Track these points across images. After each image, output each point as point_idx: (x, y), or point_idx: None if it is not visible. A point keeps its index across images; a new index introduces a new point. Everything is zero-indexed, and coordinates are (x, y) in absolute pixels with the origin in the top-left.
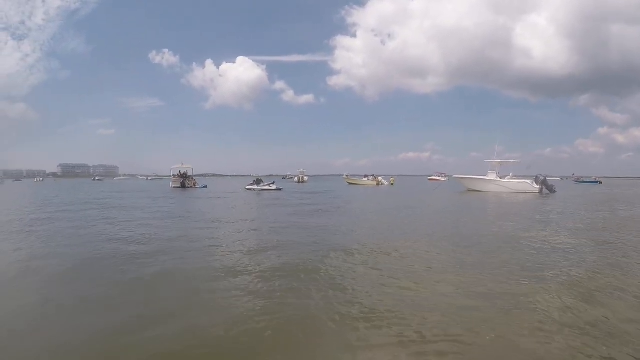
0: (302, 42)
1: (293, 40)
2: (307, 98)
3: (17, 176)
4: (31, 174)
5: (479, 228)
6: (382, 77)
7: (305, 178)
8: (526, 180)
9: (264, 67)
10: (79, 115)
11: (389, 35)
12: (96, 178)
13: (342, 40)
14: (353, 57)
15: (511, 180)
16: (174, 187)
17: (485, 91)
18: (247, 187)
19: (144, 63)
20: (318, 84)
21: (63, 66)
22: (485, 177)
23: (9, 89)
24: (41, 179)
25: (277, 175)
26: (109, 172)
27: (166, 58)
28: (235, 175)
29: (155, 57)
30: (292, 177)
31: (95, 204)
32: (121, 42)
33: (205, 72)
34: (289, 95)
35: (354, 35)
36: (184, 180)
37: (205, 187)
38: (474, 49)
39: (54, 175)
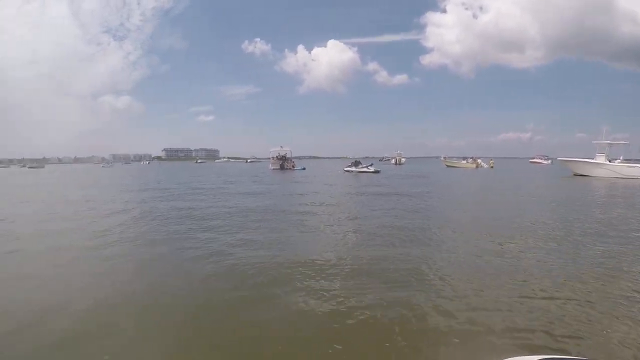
0: (392, 21)
1: (383, 20)
2: (401, 78)
3: (126, 160)
4: (138, 158)
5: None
6: (476, 52)
7: (403, 160)
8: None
9: (355, 49)
10: (181, 104)
11: (481, 8)
12: (199, 161)
13: (432, 17)
14: (445, 34)
15: (622, 165)
16: (273, 168)
17: (588, 64)
18: (345, 169)
19: (238, 53)
20: (411, 63)
21: (162, 61)
22: (594, 160)
23: (115, 84)
24: (147, 162)
25: (373, 157)
26: (210, 155)
27: (258, 47)
28: (332, 157)
29: (248, 47)
30: (388, 159)
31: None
32: (214, 34)
33: (298, 58)
34: (382, 76)
35: (444, 11)
36: (283, 163)
37: (304, 169)
38: (572, 16)
39: (159, 158)
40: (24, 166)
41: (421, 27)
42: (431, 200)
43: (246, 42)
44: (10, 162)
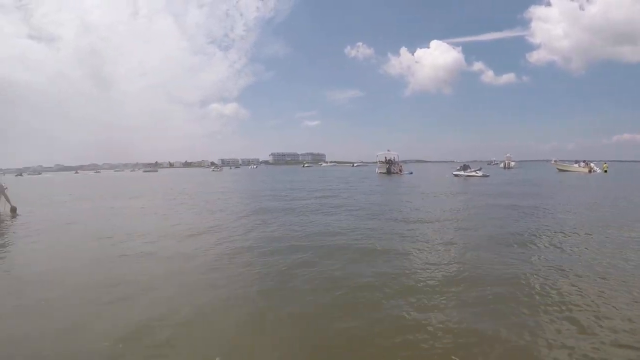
0: (495, 18)
1: (485, 17)
2: (508, 77)
3: (235, 164)
4: (246, 162)
5: None
6: (585, 47)
7: (512, 163)
8: None
9: (459, 48)
10: (286, 109)
11: None
12: (305, 165)
13: (536, 11)
14: (551, 29)
15: None
16: (380, 172)
17: None
18: (454, 173)
19: (341, 58)
20: (518, 61)
21: (267, 68)
22: None
23: (222, 92)
24: (255, 166)
25: (480, 161)
26: (316, 159)
27: (361, 51)
28: (438, 161)
29: (351, 52)
30: (497, 163)
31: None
32: (316, 40)
33: (401, 60)
34: (488, 75)
35: (548, 4)
36: (390, 167)
37: (411, 173)
38: None
39: (266, 162)
40: (132, 170)
41: (526, 23)
42: (568, 215)
43: (348, 47)
44: (125, 166)
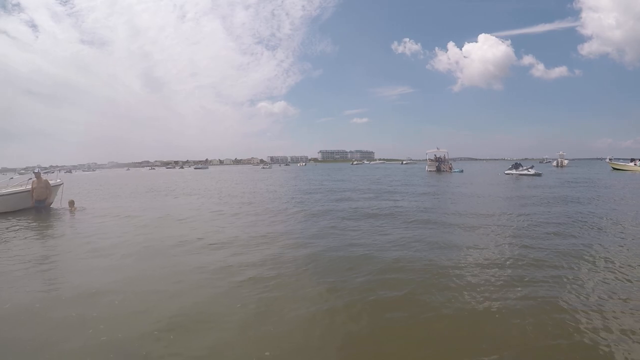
0: (544, 9)
1: (533, 8)
2: (560, 71)
3: (284, 161)
4: (295, 160)
5: None
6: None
7: (565, 162)
8: None
9: (508, 42)
10: (335, 107)
11: None
12: (354, 163)
13: (586, 0)
14: (602, 18)
15: None
16: (429, 170)
17: None
18: (506, 172)
19: (388, 54)
20: (569, 53)
21: (314, 66)
22: None
23: (271, 91)
24: (304, 164)
25: (532, 159)
26: (365, 157)
27: (408, 46)
28: (488, 159)
29: (398, 47)
30: (549, 161)
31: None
32: (363, 38)
33: (449, 55)
34: (539, 69)
35: None
36: (440, 165)
37: (461, 171)
38: None
39: (315, 160)
40: (181, 167)
41: (576, 13)
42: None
43: (395, 42)
44: (175, 163)
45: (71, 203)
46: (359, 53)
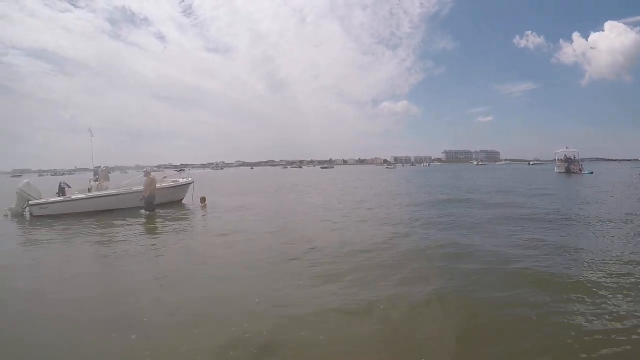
0: None
1: None
2: None
3: (407, 161)
4: (418, 160)
5: None
6: None
7: None
8: None
9: (638, 29)
10: (458, 106)
11: None
12: (479, 163)
13: None
14: None
15: None
16: (559, 172)
17: None
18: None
19: (511, 49)
20: None
21: (436, 64)
22: None
23: (393, 90)
24: (428, 165)
25: None
26: (490, 157)
27: (531, 40)
28: (622, 160)
29: (520, 42)
30: None
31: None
32: (483, 33)
33: (575, 47)
34: None
35: None
36: (569, 166)
37: (591, 173)
38: None
39: (439, 160)
40: (299, 167)
41: None
42: None
43: (517, 36)
44: (300, 162)
45: (202, 200)
46: (480, 49)
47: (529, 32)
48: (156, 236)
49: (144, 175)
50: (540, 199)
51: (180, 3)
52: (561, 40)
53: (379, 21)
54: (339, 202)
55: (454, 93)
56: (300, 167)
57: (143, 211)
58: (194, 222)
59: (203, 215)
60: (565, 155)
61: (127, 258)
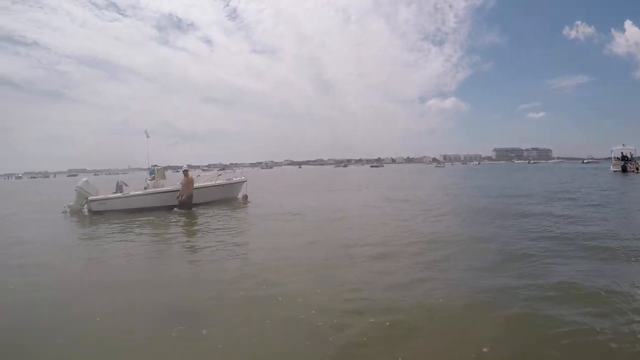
0: None
1: None
2: None
3: (456, 160)
4: (468, 158)
5: None
6: None
7: None
8: None
9: None
10: (507, 101)
11: None
12: (531, 161)
13: None
14: None
15: None
16: (614, 171)
17: None
18: None
19: (561, 40)
20: None
21: (484, 59)
22: None
23: (440, 87)
24: (477, 163)
25: None
26: (542, 155)
27: (581, 30)
28: None
29: (570, 32)
30: None
31: None
32: (532, 24)
33: (627, 36)
34: None
35: None
36: (625, 164)
37: None
38: None
39: (489, 159)
40: (344, 166)
41: None
42: None
43: (566, 27)
44: (348, 161)
45: (244, 197)
46: (529, 42)
47: (579, 22)
48: (210, 234)
49: (183, 174)
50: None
51: (225, 7)
52: (612, 30)
53: (423, 16)
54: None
55: (503, 89)
56: (346, 166)
57: (176, 209)
58: (244, 220)
59: (244, 214)
60: (622, 153)
61: (186, 254)
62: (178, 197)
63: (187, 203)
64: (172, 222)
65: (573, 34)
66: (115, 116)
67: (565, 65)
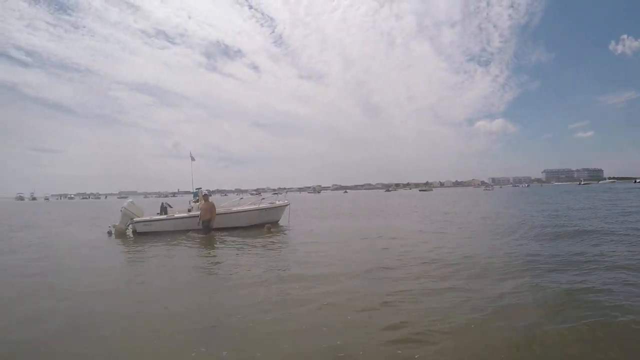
0: None
1: None
2: None
3: (505, 183)
4: (517, 180)
5: None
6: None
7: None
8: None
9: None
10: (556, 121)
11: None
12: (582, 182)
13: None
14: None
15: None
16: None
17: None
18: None
19: (606, 55)
20: None
21: (532, 78)
22: None
23: (488, 108)
24: (527, 185)
25: None
26: (593, 176)
27: (627, 44)
28: None
29: (616, 47)
30: None
31: None
32: (576, 41)
33: None
34: None
35: None
36: None
37: None
38: None
39: (539, 180)
40: (387, 190)
41: None
42: None
43: (612, 42)
44: (397, 185)
45: (268, 228)
46: (575, 58)
47: (625, 36)
48: (248, 255)
49: (203, 199)
50: None
51: (271, 34)
52: None
53: (468, 37)
54: None
55: (552, 108)
56: (395, 190)
57: (191, 233)
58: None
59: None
60: None
61: (224, 275)
62: (199, 223)
63: (207, 228)
64: (218, 244)
65: (619, 48)
66: (166, 140)
67: (614, 81)
